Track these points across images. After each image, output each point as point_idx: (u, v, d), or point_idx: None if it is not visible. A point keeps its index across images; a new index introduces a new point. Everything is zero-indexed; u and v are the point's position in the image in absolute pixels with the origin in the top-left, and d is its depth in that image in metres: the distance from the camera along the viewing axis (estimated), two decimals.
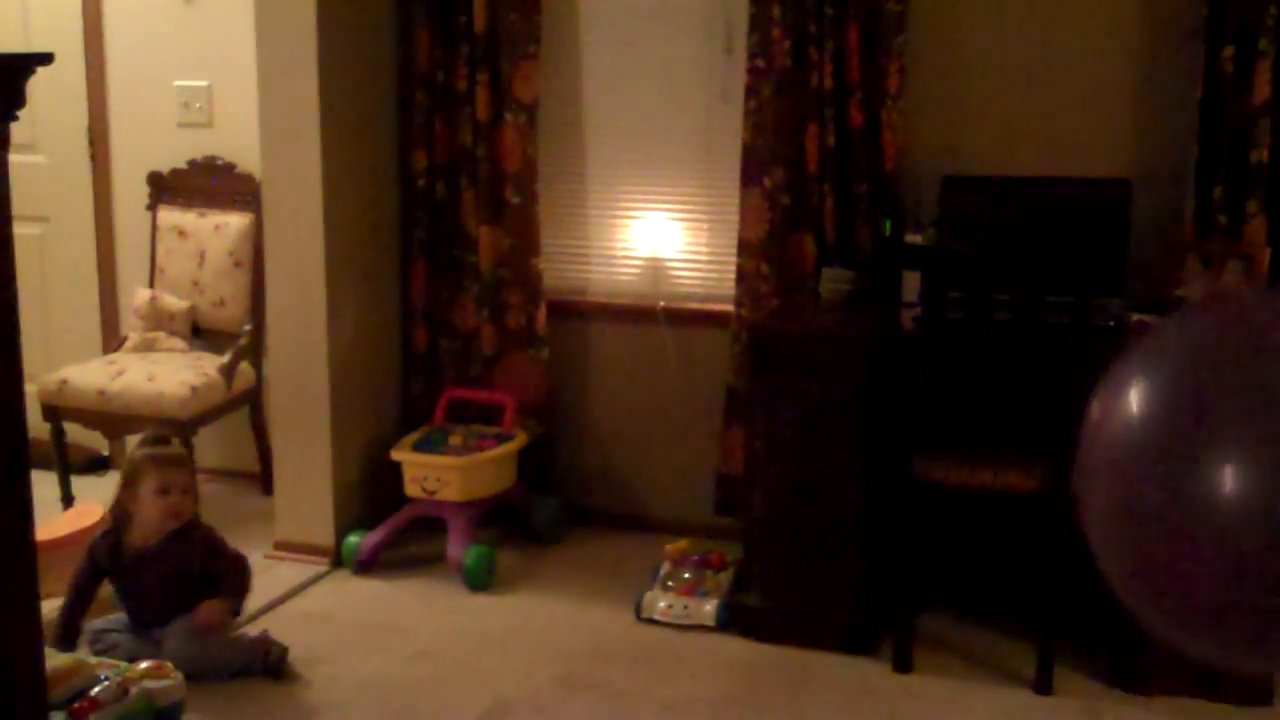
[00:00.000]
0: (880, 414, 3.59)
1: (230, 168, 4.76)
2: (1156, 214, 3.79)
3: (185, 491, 3.56)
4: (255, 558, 4.24)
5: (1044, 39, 3.93)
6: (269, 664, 3.48)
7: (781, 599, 3.72)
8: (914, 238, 3.86)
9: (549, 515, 4.45)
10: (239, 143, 4.67)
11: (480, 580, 4.05)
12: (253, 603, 3.84)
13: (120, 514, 3.55)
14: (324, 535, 4.25)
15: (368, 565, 4.19)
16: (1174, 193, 3.78)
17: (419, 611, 3.95)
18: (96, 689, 3.06)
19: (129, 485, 3.53)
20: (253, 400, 4.74)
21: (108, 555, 3.54)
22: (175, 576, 3.51)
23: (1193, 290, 3.62)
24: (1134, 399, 1.71)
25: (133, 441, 4.02)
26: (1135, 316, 3.56)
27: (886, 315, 3.77)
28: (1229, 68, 3.64)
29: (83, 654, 3.38)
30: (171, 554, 3.52)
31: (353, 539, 4.20)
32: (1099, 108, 3.91)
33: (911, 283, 3.78)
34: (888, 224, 3.95)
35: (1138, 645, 3.37)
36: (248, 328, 4.65)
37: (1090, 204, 3.70)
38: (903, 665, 3.55)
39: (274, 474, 4.40)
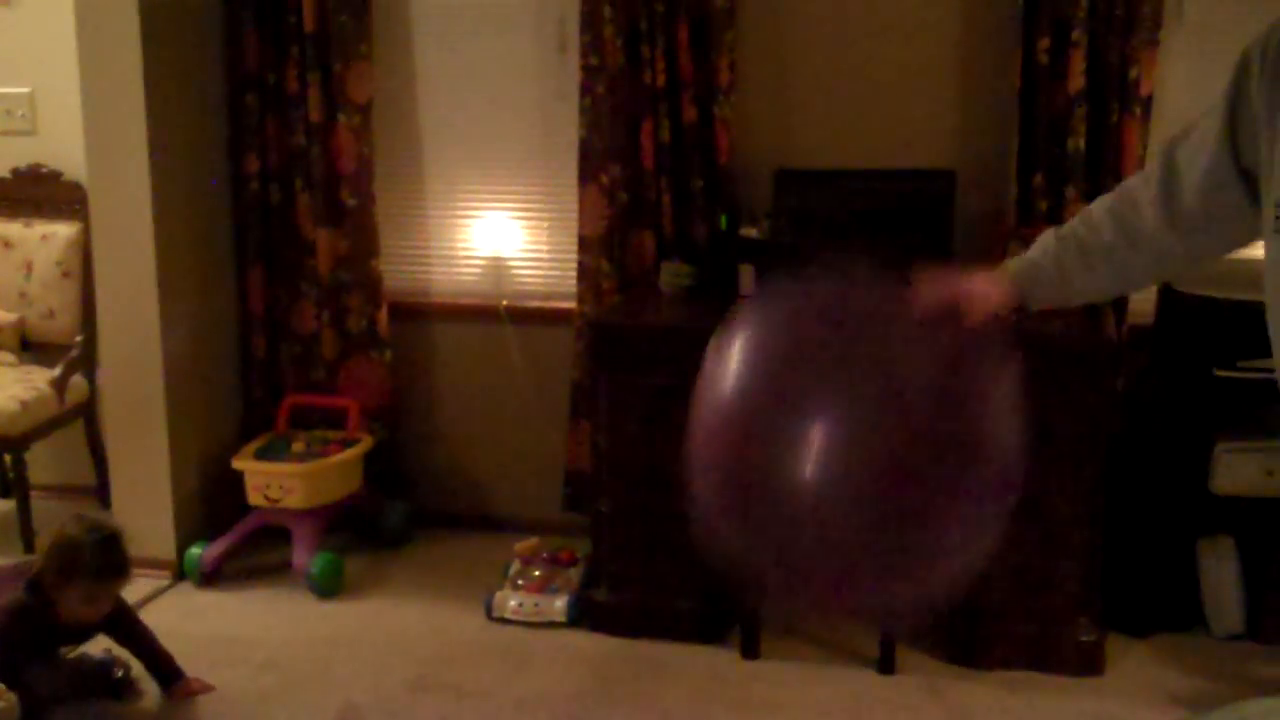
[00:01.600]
0: None
1: (56, 176, 4.62)
2: (981, 203, 3.91)
3: (112, 598, 3.33)
4: None
5: (869, 34, 4.02)
6: (114, 683, 3.39)
7: (631, 592, 3.76)
8: (749, 231, 3.92)
9: (397, 519, 4.42)
10: (64, 150, 4.53)
11: (327, 587, 4.01)
12: None
13: (37, 591, 3.21)
14: (165, 548, 4.16)
15: (211, 577, 4.11)
16: (997, 182, 3.90)
17: (266, 621, 3.89)
18: None
19: (59, 572, 3.18)
20: (87, 413, 4.62)
21: (30, 637, 3.24)
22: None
23: None
24: (734, 364, 1.89)
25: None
26: None
27: (725, 307, 3.80)
28: (1045, 59, 3.76)
29: None
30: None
31: (195, 551, 4.12)
32: (923, 101, 4.01)
33: (748, 275, 3.84)
34: (724, 218, 4.00)
35: (973, 623, 3.49)
36: (79, 339, 4.52)
37: (917, 195, 3.80)
38: (751, 652, 3.61)
39: (111, 487, 4.30)
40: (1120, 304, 3.79)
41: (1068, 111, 3.76)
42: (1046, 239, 2.04)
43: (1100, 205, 2.00)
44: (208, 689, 3.42)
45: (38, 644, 3.25)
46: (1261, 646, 3.55)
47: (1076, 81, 3.73)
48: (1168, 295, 3.61)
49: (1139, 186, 1.94)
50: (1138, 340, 3.77)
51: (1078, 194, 3.78)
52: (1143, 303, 3.80)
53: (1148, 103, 3.73)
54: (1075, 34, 3.72)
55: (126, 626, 3.42)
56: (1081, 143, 3.76)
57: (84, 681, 3.38)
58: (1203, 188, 1.84)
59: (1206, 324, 3.45)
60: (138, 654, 3.42)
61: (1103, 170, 3.78)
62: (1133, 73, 3.70)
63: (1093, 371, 3.36)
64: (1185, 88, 3.82)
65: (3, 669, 3.16)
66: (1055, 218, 3.81)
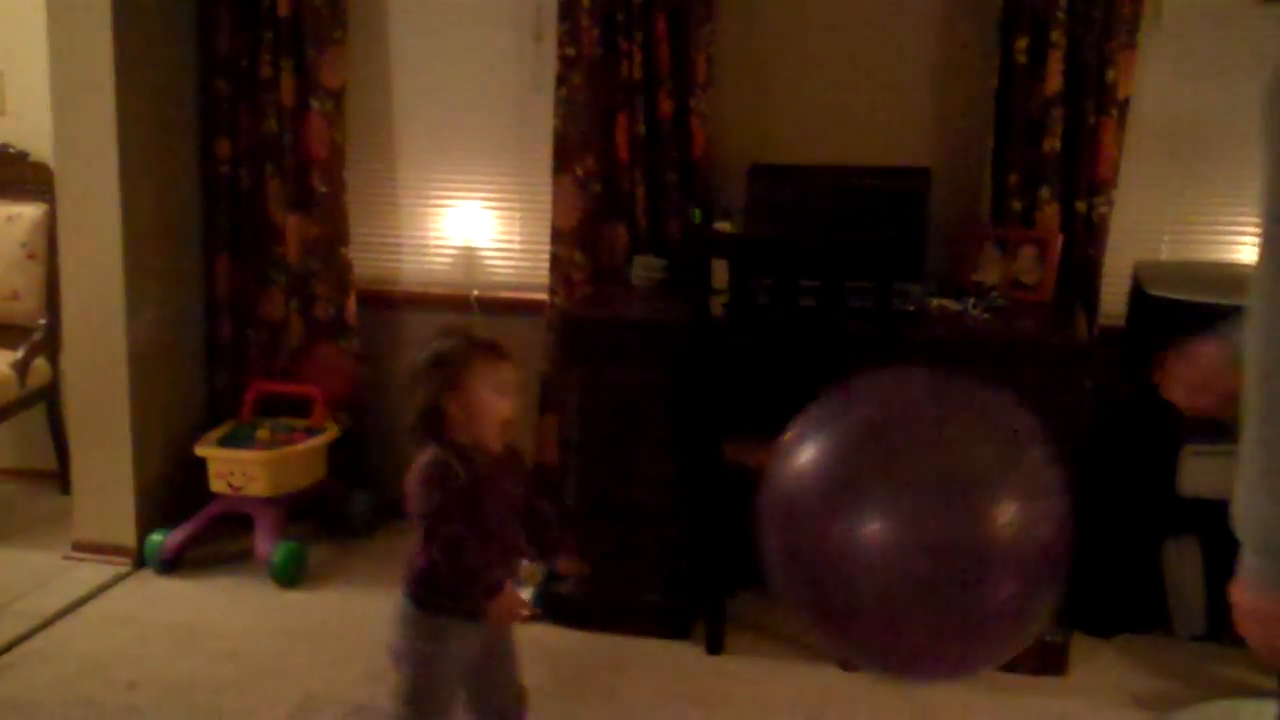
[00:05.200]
0: (691, 400, 3.63)
1: (23, 156, 4.56)
2: (955, 201, 3.90)
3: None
4: (52, 560, 4.12)
5: (848, 31, 4.01)
6: None
7: (596, 586, 3.72)
8: (723, 225, 3.91)
9: (361, 509, 4.38)
10: (32, 131, 4.47)
11: (289, 576, 3.97)
12: (50, 606, 3.71)
13: (432, 421, 2.52)
14: (126, 534, 4.12)
15: (172, 564, 4.07)
16: (971, 180, 3.90)
17: (226, 610, 3.85)
18: None
19: (447, 385, 2.51)
20: (49, 397, 4.56)
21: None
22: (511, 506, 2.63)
23: (989, 274, 3.75)
24: (800, 458, 2.00)
25: None
26: (935, 301, 3.66)
27: (697, 302, 3.79)
28: (1023, 59, 3.76)
29: None
30: (508, 477, 2.62)
31: (156, 538, 4.07)
32: (900, 98, 4.00)
33: (720, 270, 3.82)
34: (697, 212, 3.98)
35: None
36: (42, 322, 4.47)
37: (891, 192, 3.79)
38: (715, 647, 3.59)
39: (72, 472, 4.25)
40: (1091, 303, 3.80)
41: (1044, 112, 3.75)
42: None
43: None
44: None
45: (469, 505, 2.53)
46: (1225, 648, 3.55)
47: (1054, 83, 3.73)
48: (1138, 296, 3.61)
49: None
50: (1108, 341, 3.76)
51: (1052, 195, 3.77)
52: (1113, 304, 3.80)
53: (1124, 105, 3.72)
54: (1054, 35, 3.71)
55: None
56: (1058, 144, 3.76)
57: None
58: None
59: (1176, 326, 3.44)
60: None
61: (1078, 172, 3.77)
62: (1110, 75, 3.69)
63: (1063, 372, 3.35)
64: (1162, 91, 3.82)
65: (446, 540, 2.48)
66: (1029, 219, 3.81)
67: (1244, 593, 1.64)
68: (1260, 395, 1.59)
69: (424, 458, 2.52)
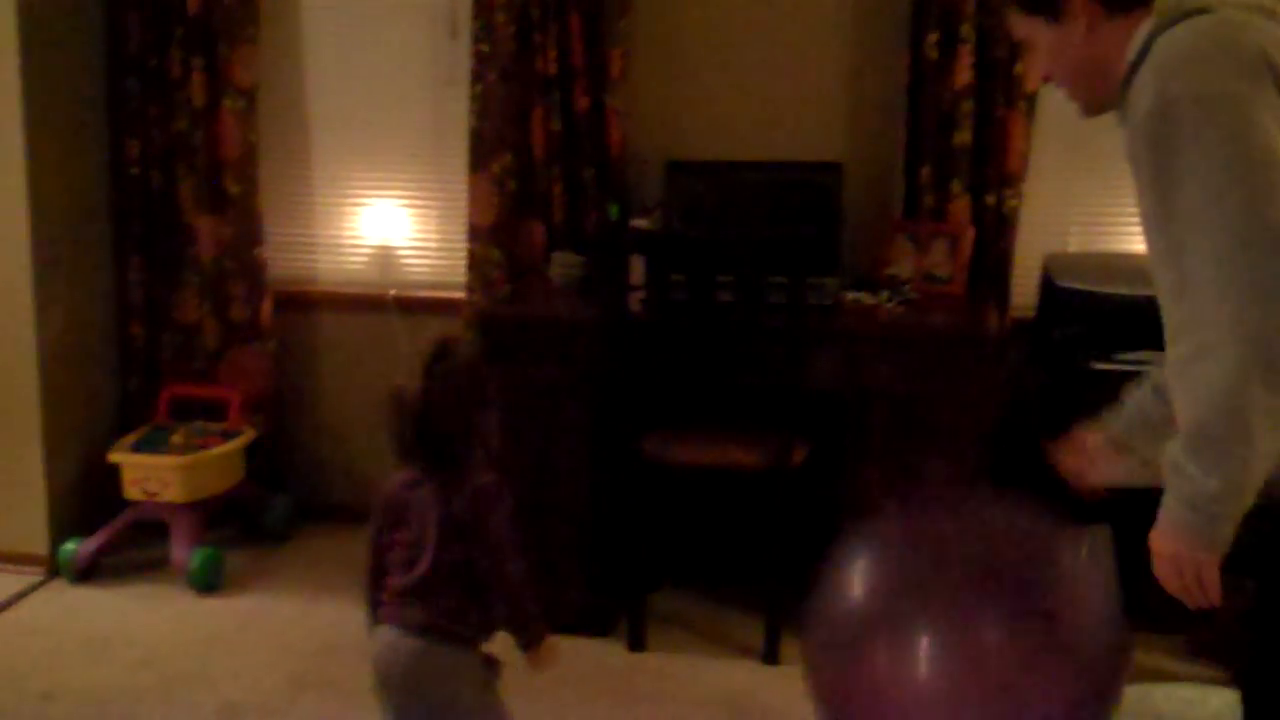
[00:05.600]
0: (611, 396, 3.63)
1: None
2: (868, 196, 3.93)
3: None
4: None
5: (762, 26, 4.02)
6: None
7: None
8: (640, 222, 3.91)
9: (279, 512, 4.35)
10: None
11: (207, 582, 3.93)
12: None
13: (472, 441, 2.48)
14: (38, 543, 4.05)
15: (87, 573, 4.01)
16: (884, 175, 3.93)
17: (143, 618, 3.80)
18: None
19: (483, 402, 2.49)
20: None
21: None
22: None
23: (902, 268, 3.78)
24: (853, 585, 2.03)
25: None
26: (849, 295, 3.69)
27: (615, 299, 3.80)
28: (933, 54, 3.79)
29: None
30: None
31: (70, 546, 4.01)
32: (813, 94, 4.03)
33: (638, 266, 3.82)
34: (614, 209, 3.98)
35: None
36: None
37: (806, 187, 3.82)
38: (637, 644, 3.60)
39: None
40: (1002, 296, 3.85)
41: (955, 106, 3.79)
42: (1129, 389, 2.28)
43: None
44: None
45: None
46: (1137, 636, 3.61)
47: (964, 76, 3.77)
48: (1048, 288, 3.66)
49: None
50: (1019, 332, 3.82)
51: (963, 188, 3.81)
52: (1024, 295, 3.85)
53: (1033, 99, 3.77)
54: (963, 29, 3.75)
55: None
56: (968, 137, 3.80)
57: None
58: None
59: (1086, 317, 3.50)
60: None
61: (988, 164, 3.82)
62: (1019, 68, 3.74)
63: (975, 363, 3.39)
64: None
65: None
66: (940, 212, 3.84)
67: (1166, 541, 1.80)
68: (1184, 375, 1.72)
69: (492, 483, 2.43)
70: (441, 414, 2.39)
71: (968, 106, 3.78)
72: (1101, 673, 1.93)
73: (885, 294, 3.67)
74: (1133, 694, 3.26)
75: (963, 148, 3.80)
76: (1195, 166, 1.74)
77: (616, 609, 3.69)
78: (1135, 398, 2.23)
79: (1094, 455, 2.27)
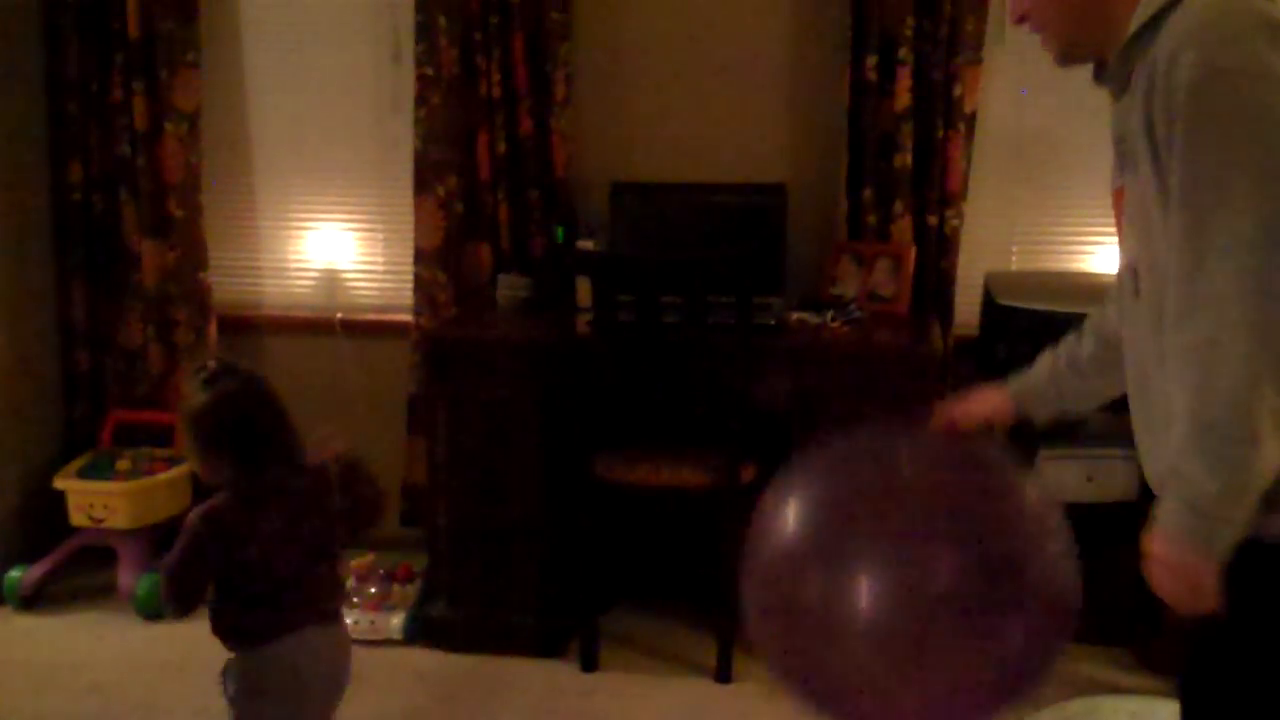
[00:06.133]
0: (559, 417, 3.65)
1: None
2: (812, 216, 3.98)
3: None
4: None
5: (704, 49, 4.06)
6: None
7: (468, 607, 3.73)
8: (585, 243, 3.93)
9: None
10: None
11: (154, 609, 3.89)
12: None
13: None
14: None
15: (32, 600, 3.97)
16: (827, 196, 3.97)
17: (90, 645, 3.77)
18: None
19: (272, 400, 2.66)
20: None
21: None
22: None
23: (847, 287, 3.83)
24: (785, 516, 1.99)
25: None
26: (794, 315, 3.73)
27: (562, 320, 3.81)
28: (873, 76, 3.85)
29: None
30: None
31: (14, 574, 3.97)
32: (756, 116, 4.07)
33: (585, 288, 3.84)
34: (560, 230, 4.00)
35: None
36: None
37: (750, 209, 3.86)
38: (590, 665, 3.61)
39: None
40: (946, 314, 3.90)
41: (895, 128, 3.85)
42: (1044, 355, 2.20)
43: None
44: None
45: None
46: (1087, 647, 3.66)
47: (903, 99, 3.82)
48: (989, 306, 3.72)
49: None
50: (962, 350, 3.87)
51: (905, 208, 3.87)
52: (967, 314, 3.91)
53: (971, 119, 3.83)
54: (902, 52, 3.81)
55: None
56: (909, 158, 3.85)
57: None
58: None
59: (1029, 334, 3.55)
60: None
61: (928, 184, 3.88)
62: (957, 90, 3.80)
63: (918, 380, 3.43)
64: (1006, 105, 3.95)
65: None
66: (883, 232, 3.89)
67: (1163, 545, 1.68)
68: (1190, 367, 1.64)
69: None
70: (259, 414, 2.55)
71: (908, 128, 3.84)
72: (1054, 614, 1.87)
73: (830, 313, 3.71)
74: (1079, 706, 3.31)
75: (904, 169, 3.86)
76: (1238, 145, 1.62)
77: (569, 630, 3.70)
78: (1045, 361, 2.19)
79: (974, 401, 2.23)
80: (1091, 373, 2.12)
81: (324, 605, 2.60)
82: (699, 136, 4.10)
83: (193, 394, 2.52)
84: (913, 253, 3.84)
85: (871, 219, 3.91)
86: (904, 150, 3.85)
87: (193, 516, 2.49)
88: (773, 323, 3.61)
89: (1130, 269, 1.81)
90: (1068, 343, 2.16)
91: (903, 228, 3.88)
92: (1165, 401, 1.74)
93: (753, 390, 3.45)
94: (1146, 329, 1.78)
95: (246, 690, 2.60)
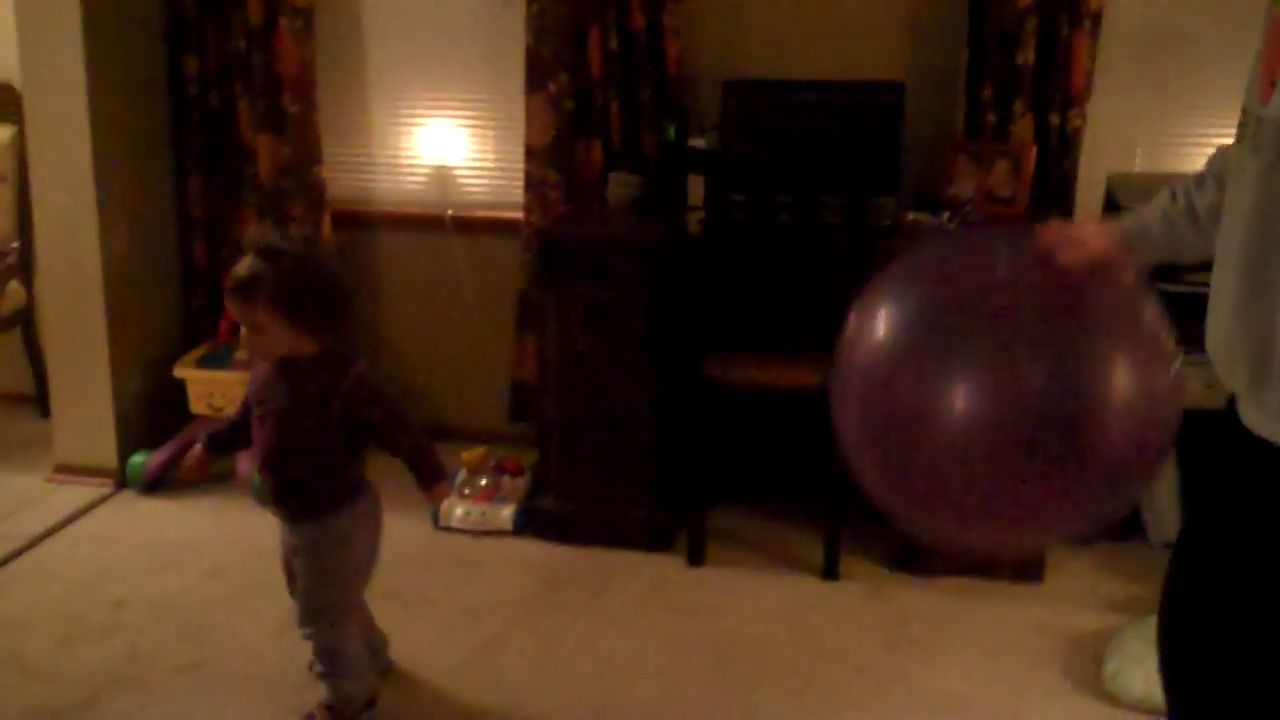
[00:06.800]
0: (669, 316, 3.65)
1: None
2: (929, 115, 3.91)
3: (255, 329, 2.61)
4: (34, 482, 4.13)
5: None
6: None
7: (577, 501, 3.78)
8: (697, 141, 3.91)
9: None
10: None
11: None
12: (35, 528, 3.72)
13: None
14: (107, 456, 4.14)
15: (154, 485, 4.10)
16: (945, 94, 3.90)
17: (210, 529, 3.88)
18: None
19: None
20: (24, 320, 4.55)
21: None
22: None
23: (964, 188, 3.76)
24: (883, 319, 1.89)
25: None
26: (910, 215, 3.68)
27: (672, 219, 3.81)
28: None
29: None
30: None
31: (137, 459, 4.09)
32: (874, 11, 3.99)
33: (696, 186, 3.83)
34: (671, 128, 3.98)
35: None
36: (15, 245, 4.44)
37: (865, 106, 3.80)
38: (697, 559, 3.65)
39: (51, 395, 4.24)
40: (1065, 216, 3.82)
41: (1017, 24, 3.75)
42: (1160, 197, 2.04)
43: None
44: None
45: None
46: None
47: None
48: (1111, 208, 3.64)
49: None
50: None
51: (1025, 107, 3.78)
52: (1088, 216, 3.82)
53: (1097, 17, 3.72)
54: None
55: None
56: (1031, 56, 3.76)
57: None
58: None
59: None
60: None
61: (1051, 85, 3.78)
62: None
63: None
64: (1134, 2, 3.83)
65: None
66: (1002, 131, 3.82)
67: None
68: None
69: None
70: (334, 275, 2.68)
71: (1031, 25, 3.74)
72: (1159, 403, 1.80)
73: (946, 214, 3.66)
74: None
75: (1025, 66, 3.77)
76: None
77: (676, 524, 3.74)
78: (1161, 203, 2.04)
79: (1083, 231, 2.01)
80: (1207, 223, 1.96)
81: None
82: (814, 32, 4.03)
83: (260, 267, 2.53)
84: (1033, 152, 3.75)
85: (990, 118, 3.83)
86: (1026, 47, 3.75)
87: (367, 381, 2.62)
88: (887, 223, 3.58)
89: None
90: (1186, 187, 2.01)
91: (1023, 127, 3.80)
92: None
93: (864, 290, 3.42)
94: None
95: (335, 546, 2.76)
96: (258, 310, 2.54)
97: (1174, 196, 2.01)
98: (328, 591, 2.78)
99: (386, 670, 3.06)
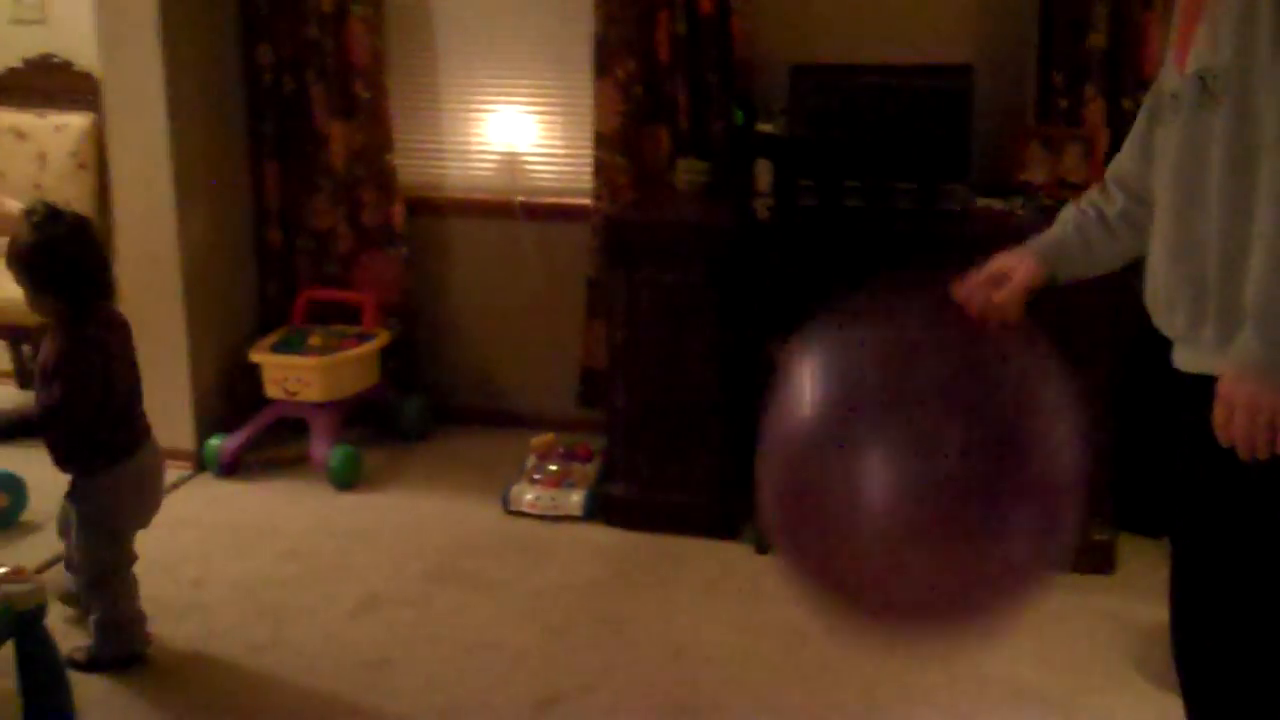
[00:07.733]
0: (737, 302, 3.66)
1: (67, 65, 4.61)
2: (999, 100, 3.87)
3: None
4: None
5: None
6: None
7: (646, 488, 3.80)
8: (765, 127, 3.90)
9: (414, 413, 4.46)
10: (75, 39, 4.53)
11: (345, 479, 4.06)
12: None
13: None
14: (185, 439, 4.21)
15: (231, 468, 4.17)
16: (1016, 78, 3.87)
17: (286, 512, 3.95)
18: None
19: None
20: None
21: None
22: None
23: (1035, 173, 3.73)
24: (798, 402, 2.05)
25: None
26: (980, 200, 3.66)
27: (741, 204, 3.81)
28: None
29: None
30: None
31: (214, 442, 4.17)
32: None
33: (764, 172, 3.82)
34: (739, 113, 3.97)
35: None
36: None
37: (935, 91, 3.76)
38: (764, 547, 3.66)
39: None
40: None
41: (1089, 7, 3.71)
42: (1066, 212, 2.12)
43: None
44: None
45: None
46: None
47: None
48: None
49: None
50: None
51: (1097, 92, 3.74)
52: None
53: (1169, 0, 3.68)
54: None
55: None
56: (1102, 40, 3.72)
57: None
58: None
59: None
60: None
61: (1123, 67, 3.74)
62: None
63: (1110, 273, 3.34)
64: None
65: None
66: (1074, 116, 3.78)
67: (1242, 384, 1.66)
68: None
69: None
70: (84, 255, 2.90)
71: (1102, 9, 3.70)
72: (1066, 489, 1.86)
73: (1018, 200, 3.63)
74: None
75: (1097, 50, 3.73)
76: None
77: (744, 512, 3.75)
78: (1070, 219, 2.11)
79: (1001, 271, 2.09)
80: (1121, 230, 2.05)
81: (147, 422, 3.08)
82: (882, 16, 4.01)
83: (24, 235, 2.84)
84: (1105, 137, 3.71)
85: (1062, 102, 3.79)
86: (1098, 31, 3.71)
87: (65, 354, 2.83)
88: (957, 209, 3.55)
89: (1196, 78, 1.75)
90: (1091, 199, 2.09)
91: (1094, 111, 3.76)
92: (1226, 225, 1.70)
93: (935, 278, 3.40)
94: (1211, 141, 1.73)
95: (105, 505, 3.01)
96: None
97: (1082, 210, 2.10)
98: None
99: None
